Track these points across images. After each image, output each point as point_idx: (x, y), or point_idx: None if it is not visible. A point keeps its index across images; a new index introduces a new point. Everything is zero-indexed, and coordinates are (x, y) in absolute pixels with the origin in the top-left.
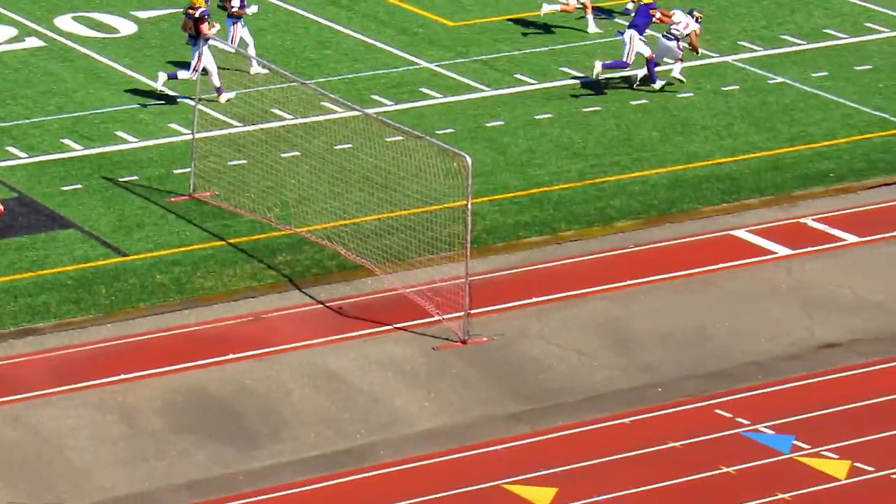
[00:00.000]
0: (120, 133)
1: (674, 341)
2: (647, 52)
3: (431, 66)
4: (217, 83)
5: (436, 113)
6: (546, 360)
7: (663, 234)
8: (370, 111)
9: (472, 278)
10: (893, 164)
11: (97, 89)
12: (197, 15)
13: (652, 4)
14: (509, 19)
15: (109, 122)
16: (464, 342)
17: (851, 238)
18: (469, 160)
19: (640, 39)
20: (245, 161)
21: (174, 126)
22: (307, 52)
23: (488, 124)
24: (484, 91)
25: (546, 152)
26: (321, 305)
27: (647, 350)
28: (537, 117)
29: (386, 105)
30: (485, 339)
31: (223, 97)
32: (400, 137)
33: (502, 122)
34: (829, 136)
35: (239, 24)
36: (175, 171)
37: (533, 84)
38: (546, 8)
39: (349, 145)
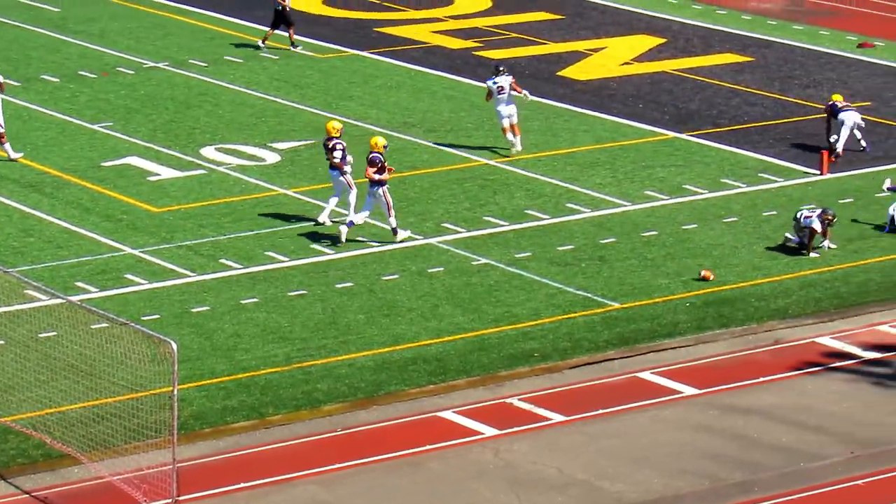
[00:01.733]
0: None
1: None
2: None
3: (136, 252)
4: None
5: (141, 299)
6: None
7: (370, 417)
8: (74, 298)
9: (179, 464)
10: (597, 343)
11: None
12: (368, 158)
13: None
14: (213, 204)
15: None
16: None
17: (557, 417)
18: (175, 346)
19: None
20: None
21: None
22: (10, 240)
23: (194, 310)
24: (189, 276)
25: (252, 337)
26: (27, 496)
27: None
28: (243, 302)
29: (91, 292)
30: None
31: (400, 235)
32: (105, 324)
33: (208, 308)
34: (534, 317)
35: (337, 174)
36: None
37: (238, 269)
38: None
39: (54, 333)
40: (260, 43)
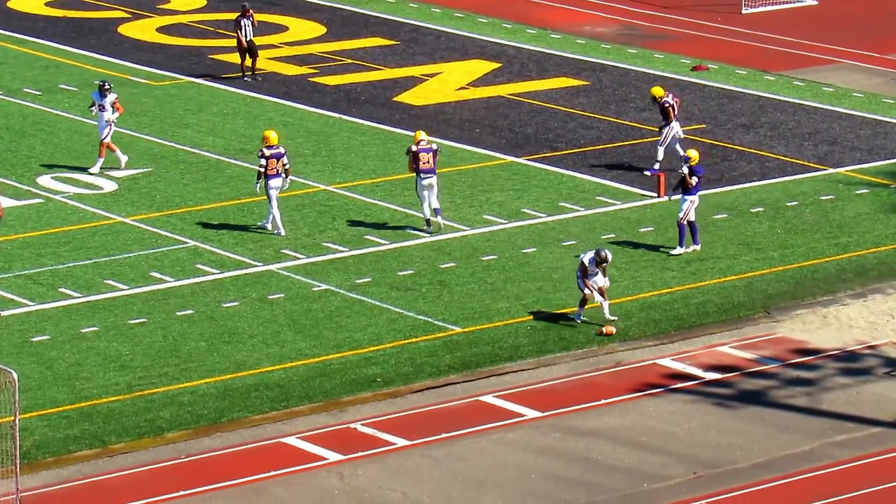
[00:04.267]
0: None
1: None
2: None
3: None
4: None
5: None
6: None
7: (214, 444)
8: None
9: (23, 494)
10: (439, 367)
11: None
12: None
13: None
14: (51, 233)
15: None
16: None
17: (401, 441)
18: (15, 376)
19: None
20: None
21: None
22: None
23: (34, 339)
24: (28, 306)
25: (94, 365)
26: None
27: None
28: (83, 330)
29: None
30: None
31: None
32: None
33: (48, 337)
34: (375, 342)
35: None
36: None
37: (78, 297)
38: None
39: None
40: (245, 78)
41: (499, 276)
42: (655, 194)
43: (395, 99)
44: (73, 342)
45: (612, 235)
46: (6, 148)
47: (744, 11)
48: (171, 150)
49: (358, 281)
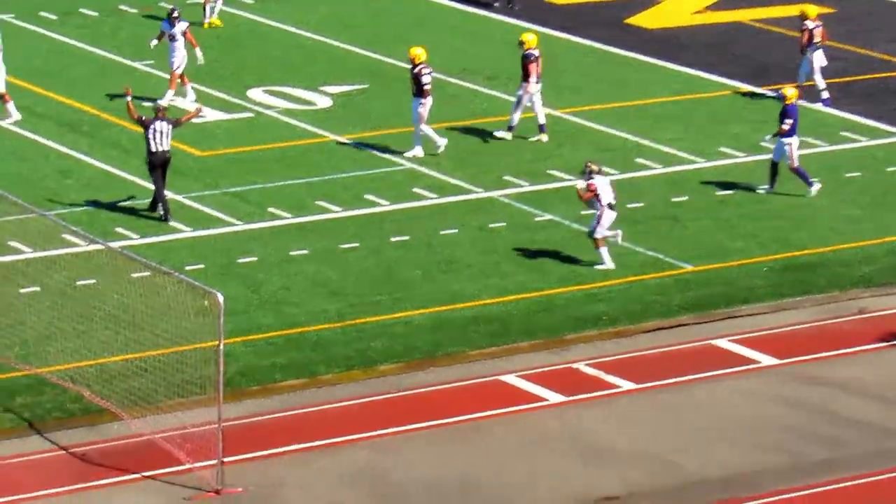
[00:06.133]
0: None
1: (440, 492)
2: None
3: (179, 197)
4: None
5: (184, 247)
6: None
7: (428, 379)
8: (114, 245)
9: (225, 424)
10: (669, 307)
11: None
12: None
13: None
14: (261, 149)
15: None
16: (217, 492)
17: (627, 385)
18: (220, 298)
19: None
20: None
21: None
22: (47, 182)
23: (240, 260)
24: (235, 225)
25: (302, 290)
26: (64, 451)
27: (411, 502)
28: (292, 253)
29: (131, 238)
30: (240, 489)
31: None
32: (147, 273)
33: (255, 259)
34: (602, 278)
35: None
36: None
37: (287, 218)
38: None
39: (93, 281)
40: (496, 4)
41: (734, 212)
42: None
43: (626, 21)
44: (281, 265)
45: (857, 174)
46: (215, 59)
47: None
48: (388, 66)
49: (583, 212)
